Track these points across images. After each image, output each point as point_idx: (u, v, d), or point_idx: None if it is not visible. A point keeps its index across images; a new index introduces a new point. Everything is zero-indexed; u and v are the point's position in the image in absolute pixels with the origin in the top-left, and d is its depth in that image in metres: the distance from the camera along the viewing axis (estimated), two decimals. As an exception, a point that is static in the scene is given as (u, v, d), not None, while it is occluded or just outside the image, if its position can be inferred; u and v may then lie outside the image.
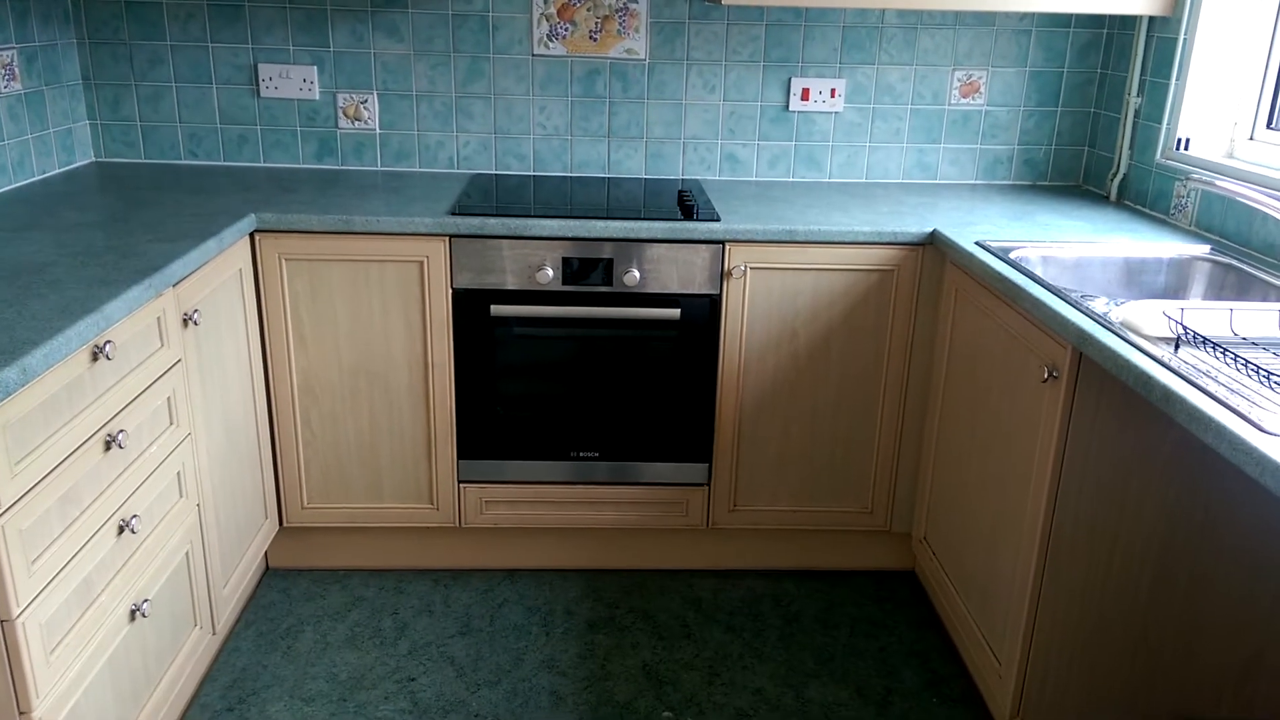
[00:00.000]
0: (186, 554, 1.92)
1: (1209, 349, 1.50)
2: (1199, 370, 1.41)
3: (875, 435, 2.46)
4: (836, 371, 2.41)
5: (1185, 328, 1.57)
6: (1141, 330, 1.61)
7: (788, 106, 2.80)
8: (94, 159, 2.74)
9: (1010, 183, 2.91)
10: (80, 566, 1.51)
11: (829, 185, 2.81)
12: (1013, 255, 2.11)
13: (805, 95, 2.80)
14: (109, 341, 1.56)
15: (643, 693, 2.13)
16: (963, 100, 2.84)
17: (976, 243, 2.19)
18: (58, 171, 2.56)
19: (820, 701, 2.13)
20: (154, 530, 1.76)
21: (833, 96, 2.81)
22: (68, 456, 1.47)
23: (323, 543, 2.53)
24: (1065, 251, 2.20)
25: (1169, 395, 1.36)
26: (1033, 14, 2.68)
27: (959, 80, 2.82)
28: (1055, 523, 1.78)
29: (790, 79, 2.78)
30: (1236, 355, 1.46)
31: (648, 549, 2.60)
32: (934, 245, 2.32)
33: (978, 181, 2.91)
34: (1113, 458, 1.72)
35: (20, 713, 1.39)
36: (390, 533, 2.53)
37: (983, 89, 2.83)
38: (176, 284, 1.84)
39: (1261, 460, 1.16)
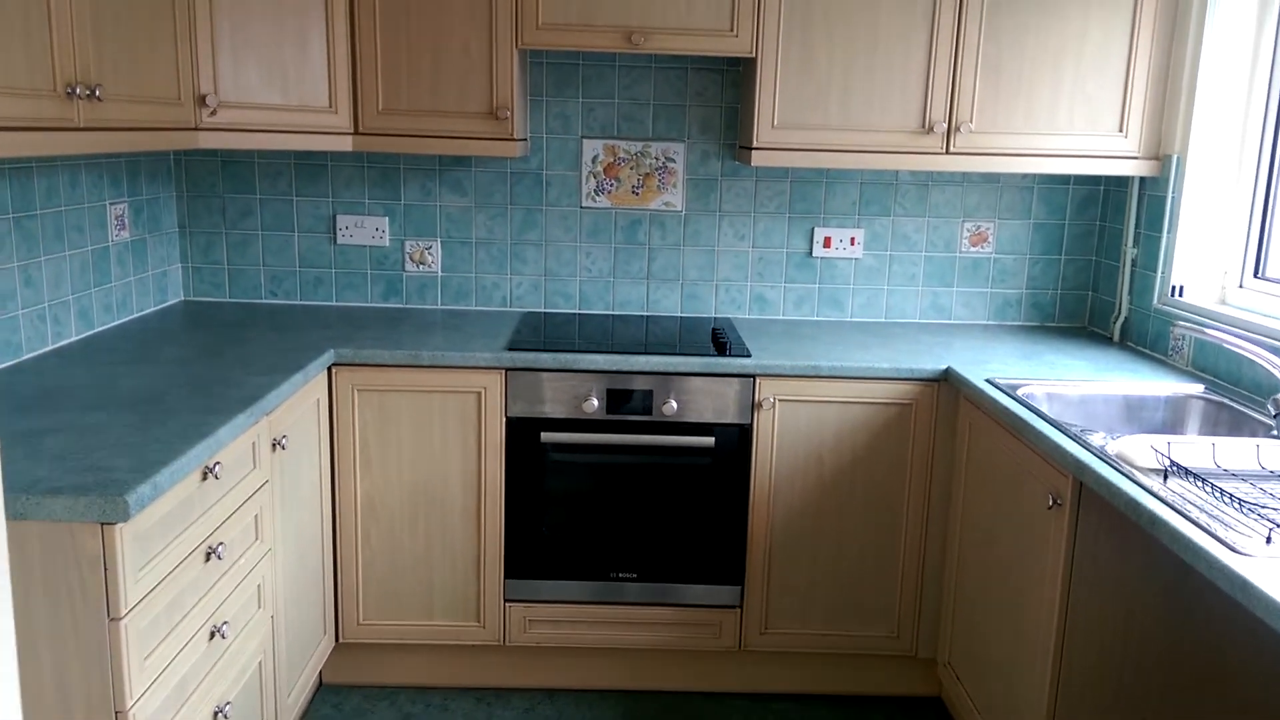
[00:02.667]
0: (260, 663, 2.08)
1: (1192, 480, 1.67)
2: (1183, 498, 1.59)
3: (899, 560, 2.61)
4: (861, 498, 2.58)
5: (1172, 460, 1.75)
6: (1134, 462, 1.79)
7: (811, 253, 3.07)
8: (183, 298, 3.03)
9: (1020, 323, 3.13)
10: (178, 667, 1.69)
11: (851, 324, 3.04)
12: (1020, 392, 2.31)
13: (827, 243, 3.07)
14: (218, 463, 1.78)
15: (679, 806, 2.23)
16: (972, 248, 3.09)
17: (987, 380, 2.39)
18: (152, 309, 2.85)
19: (850, 818, 2.21)
20: (238, 636, 1.94)
21: (852, 244, 3.07)
22: (178, 565, 1.67)
23: (374, 659, 2.68)
24: (1070, 389, 2.39)
25: (1155, 520, 1.53)
26: (1033, 174, 2.95)
27: (968, 230, 3.08)
28: (1066, 644, 1.91)
29: (813, 228, 3.06)
30: (1216, 485, 1.63)
31: (683, 670, 2.72)
32: (948, 381, 2.52)
33: (990, 322, 3.13)
34: (1116, 579, 1.87)
35: (124, 798, 1.54)
36: (438, 650, 2.68)
37: (990, 238, 3.08)
38: (270, 412, 2.07)
39: (1234, 578, 1.33)
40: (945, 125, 2.66)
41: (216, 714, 1.84)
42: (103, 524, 1.45)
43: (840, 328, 2.98)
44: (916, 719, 2.62)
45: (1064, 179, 3.05)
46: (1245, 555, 1.37)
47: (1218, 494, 1.60)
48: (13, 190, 2.17)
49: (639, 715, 2.58)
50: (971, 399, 2.39)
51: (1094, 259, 3.09)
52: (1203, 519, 1.50)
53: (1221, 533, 1.44)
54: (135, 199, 2.74)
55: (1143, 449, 1.83)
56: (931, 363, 2.55)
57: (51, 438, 1.69)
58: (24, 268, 2.22)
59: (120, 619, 1.49)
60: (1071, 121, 2.67)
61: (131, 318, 2.73)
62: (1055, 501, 1.93)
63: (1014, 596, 2.14)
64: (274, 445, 2.10)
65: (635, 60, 2.94)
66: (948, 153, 2.69)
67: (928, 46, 2.63)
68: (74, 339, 2.43)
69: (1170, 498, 1.59)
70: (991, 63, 2.63)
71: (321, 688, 2.66)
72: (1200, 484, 1.65)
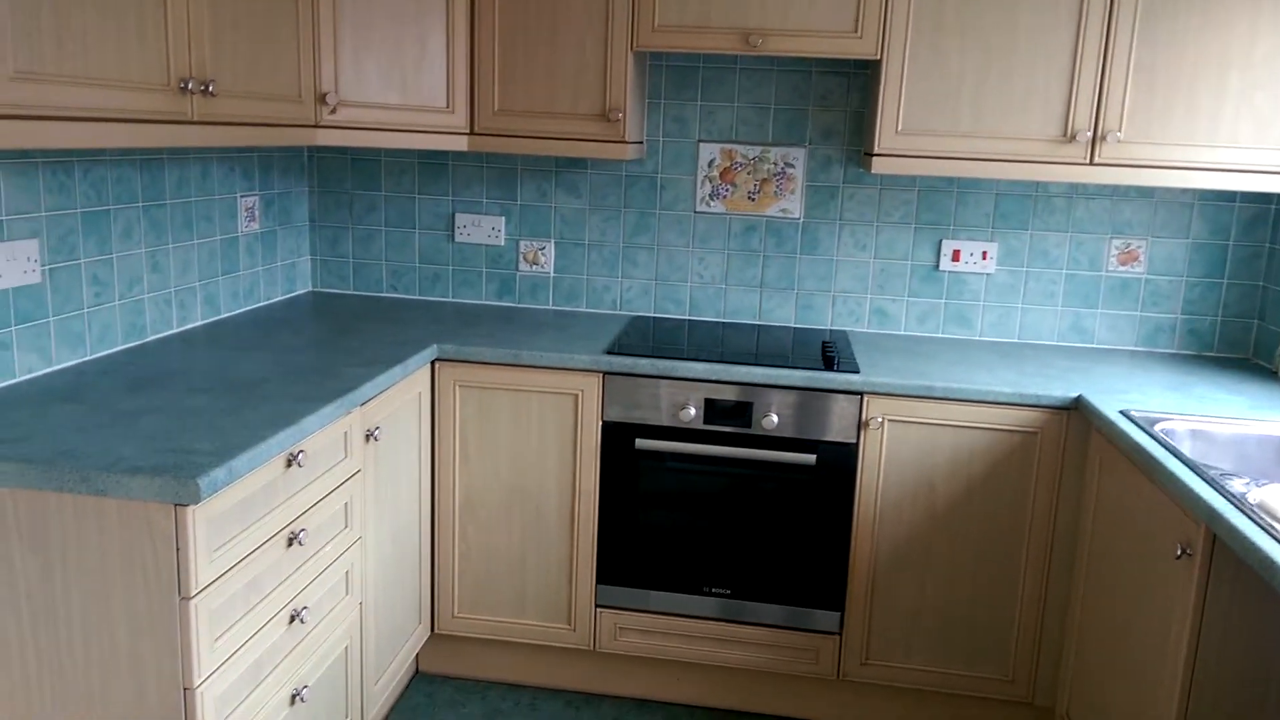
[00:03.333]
0: (346, 648, 2.12)
1: (1347, 538, 1.46)
2: (1330, 559, 1.38)
3: (1017, 599, 2.42)
4: (977, 529, 2.41)
5: (1323, 514, 1.53)
6: (1277, 513, 1.58)
7: (938, 266, 2.90)
8: (311, 289, 3.14)
9: (1173, 351, 2.86)
10: (254, 649, 1.72)
11: (979, 343, 2.85)
12: (1158, 427, 2.09)
13: (956, 256, 2.89)
14: (302, 450, 1.81)
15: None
16: (1121, 268, 2.85)
17: (1121, 411, 2.18)
18: (280, 299, 2.97)
19: None
20: (320, 623, 1.97)
21: (985, 258, 2.88)
22: (257, 549, 1.70)
23: (468, 652, 2.70)
24: (1220, 427, 2.15)
25: (1292, 583, 1.34)
26: (1193, 189, 2.70)
27: (1117, 248, 2.84)
28: (1191, 707, 1.71)
29: (941, 240, 2.89)
30: (1375, 547, 1.41)
31: (776, 694, 2.61)
32: (1079, 410, 2.32)
33: (1138, 348, 2.88)
34: (1251, 643, 1.66)
35: (190, 773, 1.58)
36: (529, 649, 2.67)
37: (1142, 257, 2.83)
38: (364, 404, 2.10)
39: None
40: (1090, 134, 2.46)
41: (294, 697, 1.87)
42: (176, 505, 1.49)
43: (966, 346, 2.80)
44: (1026, 773, 2.42)
45: (1229, 196, 2.76)
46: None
47: (1374, 557, 1.38)
48: (143, 180, 2.29)
49: (725, 738, 2.50)
50: (1103, 431, 2.18)
51: (1261, 284, 2.79)
52: (1350, 585, 1.29)
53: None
54: (266, 192, 2.85)
55: (1290, 499, 1.61)
56: (1062, 389, 2.35)
57: (149, 418, 1.75)
58: (151, 254, 2.34)
59: (190, 599, 1.52)
60: (1235, 133, 2.41)
61: (259, 305, 2.84)
62: (1185, 551, 1.73)
63: (1138, 650, 1.94)
64: (367, 436, 2.13)
65: (757, 63, 2.86)
66: (1092, 163, 2.48)
67: (1073, 48, 2.43)
68: (199, 324, 2.55)
69: (1314, 557, 1.38)
70: (1145, 67, 2.41)
71: (418, 675, 2.69)
72: (1355, 544, 1.44)
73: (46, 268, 2.01)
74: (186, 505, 1.49)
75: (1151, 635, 1.87)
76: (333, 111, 2.48)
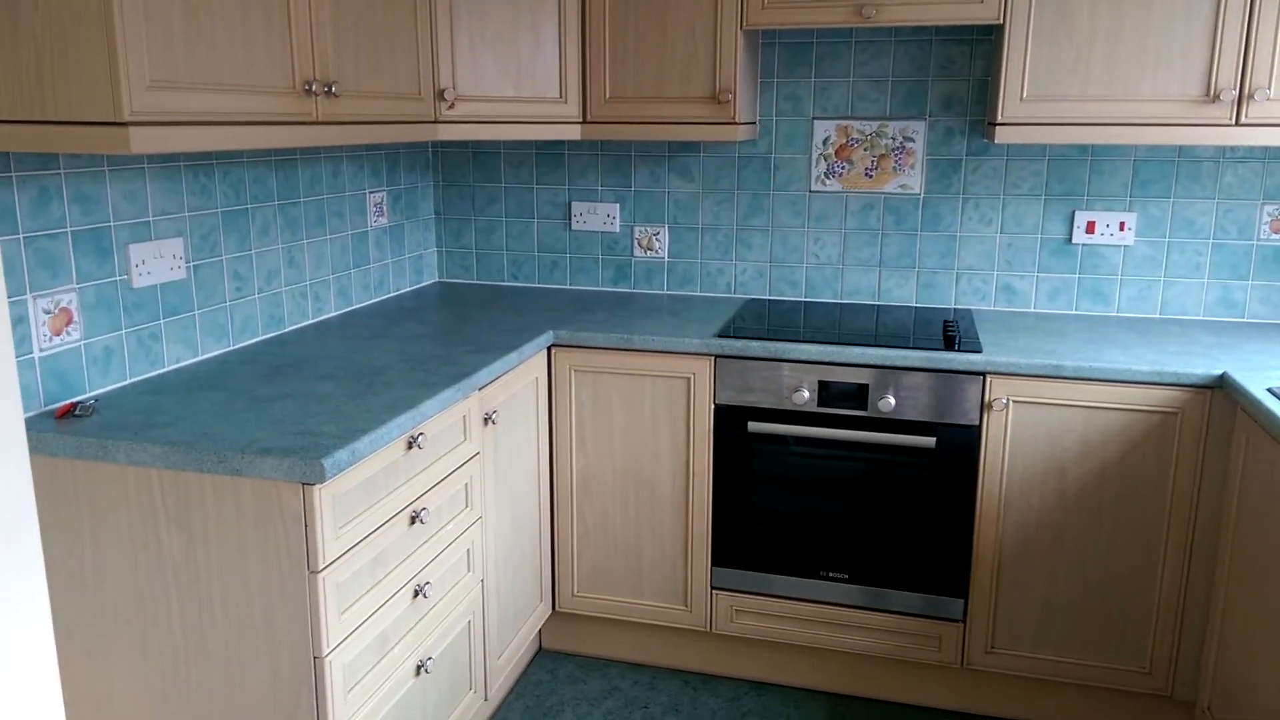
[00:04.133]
0: (468, 623, 2.20)
1: None
2: None
3: (1156, 588, 2.30)
4: (1110, 515, 2.29)
5: None
6: None
7: (1070, 239, 2.76)
8: (438, 279, 3.26)
9: (1335, 323, 2.65)
10: (380, 621, 1.81)
11: (1115, 320, 2.71)
12: (1311, 404, 1.94)
13: (1090, 228, 2.75)
14: (421, 434, 1.89)
15: (873, 825, 2.10)
16: (1275, 235, 2.64)
17: (1269, 389, 2.03)
18: (408, 289, 3.09)
19: None
20: (444, 598, 2.06)
21: (1121, 230, 2.73)
22: (380, 526, 1.79)
23: (588, 630, 2.76)
24: (1384, 403, 1.98)
25: None
26: (1359, 143, 2.47)
27: (1270, 214, 2.64)
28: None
29: (1074, 211, 2.75)
30: None
31: (897, 681, 2.56)
32: (1224, 389, 2.17)
33: (1294, 321, 2.67)
34: None
35: (322, 736, 1.68)
36: (647, 629, 2.71)
37: (1300, 222, 2.62)
38: (482, 388, 2.17)
39: None
40: (1235, 92, 2.29)
41: (419, 668, 1.96)
42: (303, 484, 1.58)
43: (1101, 323, 2.66)
44: (1168, 771, 2.30)
45: (1401, 150, 2.53)
46: None
47: None
48: (278, 180, 2.43)
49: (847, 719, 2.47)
50: (1249, 410, 2.04)
51: None
52: None
53: None
54: (394, 188, 2.97)
55: None
56: (1204, 366, 2.21)
57: (281, 403, 1.87)
58: (288, 249, 2.48)
59: (319, 572, 1.62)
60: None
61: (388, 296, 2.97)
62: (1336, 537, 1.60)
63: (1285, 645, 1.81)
64: (485, 419, 2.20)
65: (873, 35, 2.79)
66: (1238, 124, 2.31)
67: (1215, 1, 2.27)
68: (333, 314, 2.69)
69: None
70: (1300, 14, 2.23)
71: (540, 652, 2.78)
72: None
73: (191, 264, 2.16)
74: (313, 484, 1.58)
75: (1302, 628, 1.74)
76: (451, 106, 2.57)
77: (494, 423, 2.24)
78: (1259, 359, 2.28)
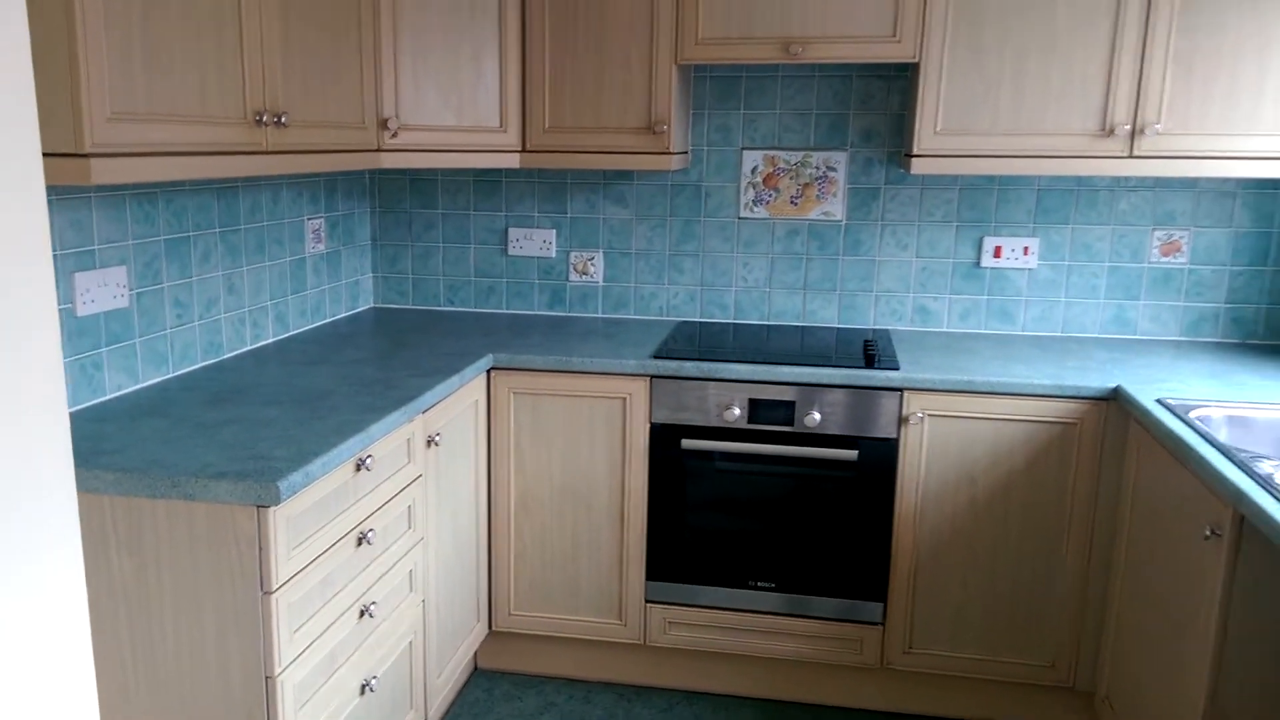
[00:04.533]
0: (410, 643, 2.25)
1: (1367, 520, 1.49)
2: (1347, 541, 1.42)
3: (1059, 588, 2.46)
4: (1018, 521, 2.46)
5: (1346, 498, 1.57)
6: (1302, 497, 1.62)
7: (979, 263, 2.95)
8: (373, 305, 3.31)
9: (1217, 340, 2.87)
10: (328, 641, 1.86)
11: (1021, 338, 2.89)
12: (1193, 414, 2.13)
13: (998, 252, 2.93)
14: (370, 455, 1.95)
15: (805, 821, 2.21)
16: (1163, 259, 2.86)
17: (1157, 400, 2.22)
18: (344, 315, 3.13)
19: None
20: (388, 618, 2.11)
21: (1026, 254, 2.92)
22: (330, 547, 1.84)
23: (524, 649, 2.82)
24: (1259, 413, 2.17)
25: (1306, 563, 1.38)
26: (1236, 178, 2.70)
27: (1159, 239, 2.86)
28: (1221, 684, 1.75)
29: (983, 237, 2.93)
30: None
31: (823, 684, 2.69)
32: (1117, 401, 2.36)
33: (1181, 338, 2.89)
34: (1279, 619, 1.69)
35: (274, 752, 1.73)
36: (583, 644, 2.78)
37: (1185, 248, 2.85)
38: (425, 411, 2.24)
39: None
40: (1129, 127, 2.49)
41: (364, 687, 2.01)
42: (258, 506, 1.63)
43: (1008, 341, 2.85)
44: (1076, 760, 2.46)
45: (1273, 184, 2.77)
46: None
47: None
48: (220, 207, 2.47)
49: (777, 726, 2.58)
50: (1139, 420, 2.22)
51: (1309, 270, 2.79)
52: (1363, 565, 1.34)
53: (1381, 581, 1.29)
54: (332, 214, 3.02)
55: (1315, 483, 1.65)
56: (1100, 380, 2.39)
57: (229, 428, 1.91)
58: (228, 276, 2.51)
59: (272, 593, 1.67)
60: (1277, 120, 2.43)
61: (325, 322, 3.01)
62: (1213, 532, 1.77)
63: (1170, 630, 1.98)
64: (428, 442, 2.27)
65: (799, 70, 2.94)
66: (1131, 156, 2.52)
67: (1110, 42, 2.47)
68: (270, 340, 2.72)
69: (1330, 539, 1.43)
70: (1184, 59, 2.44)
71: (476, 671, 2.83)
72: (1375, 526, 1.47)
73: (134, 292, 2.18)
74: (268, 506, 1.64)
75: (1183, 615, 1.91)
76: (394, 135, 2.63)
77: (436, 444, 2.31)
78: (1149, 373, 2.48)
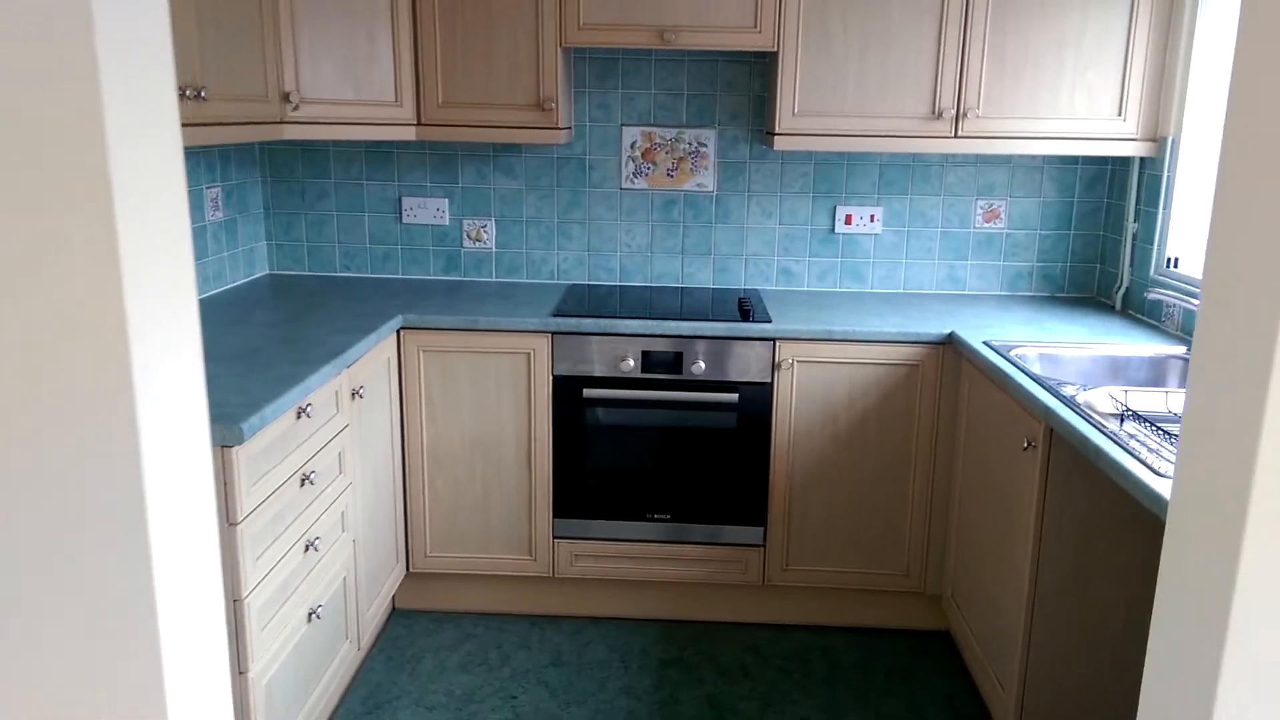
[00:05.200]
0: (344, 579, 2.43)
1: (1142, 423, 1.93)
2: (1128, 435, 1.84)
3: (908, 506, 2.88)
4: (873, 449, 2.85)
5: (1127, 407, 2.00)
6: (1096, 409, 2.05)
7: (834, 229, 3.33)
8: (268, 271, 3.40)
9: (1031, 294, 3.36)
10: (282, 569, 2.03)
11: (871, 295, 3.30)
12: (1013, 353, 2.56)
13: (849, 220, 3.33)
14: (310, 404, 2.13)
15: (708, 713, 2.54)
16: (985, 224, 3.33)
17: (984, 342, 2.65)
18: (242, 281, 3.22)
19: (854, 729, 2.50)
20: (327, 553, 2.29)
21: (872, 221, 3.32)
22: (279, 486, 2.01)
23: (441, 588, 3.03)
24: (1062, 351, 2.63)
25: (1099, 452, 1.79)
26: (1043, 155, 3.17)
27: (982, 208, 3.32)
28: (1040, 573, 2.18)
29: (835, 206, 3.32)
30: (1160, 426, 1.88)
31: (712, 602, 3.03)
32: (952, 344, 2.78)
33: (1002, 293, 3.37)
34: (1084, 512, 2.13)
35: (240, 671, 1.90)
36: (496, 580, 3.02)
37: (1003, 215, 3.32)
38: (350, 365, 2.41)
39: (1148, 493, 1.59)
40: (954, 111, 2.91)
41: (310, 614, 2.19)
42: (222, 447, 1.79)
43: (860, 298, 3.24)
44: (922, 646, 2.89)
45: (1073, 160, 3.27)
46: (1163, 476, 1.63)
47: (1160, 433, 1.85)
48: (132, 177, 2.53)
49: (674, 638, 2.90)
50: (969, 359, 2.65)
51: (1101, 234, 3.31)
52: (1140, 450, 1.75)
53: (1150, 460, 1.70)
54: (227, 183, 3.10)
55: (1105, 398, 2.08)
56: (937, 328, 2.80)
57: (177, 381, 2.04)
58: (142, 243, 2.59)
59: (237, 524, 1.83)
60: (1073, 106, 2.90)
61: (225, 288, 3.10)
62: (1030, 444, 2.19)
63: (999, 531, 2.41)
64: (353, 394, 2.44)
65: (669, 55, 3.23)
66: (956, 136, 2.93)
67: (936, 39, 2.87)
68: (180, 306, 2.80)
69: (1118, 435, 1.84)
70: (997, 53, 2.87)
71: (394, 612, 3.02)
72: (1147, 425, 1.90)
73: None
74: (231, 446, 1.80)
75: (1008, 516, 2.33)
76: (295, 109, 2.76)
77: (360, 397, 2.49)
78: (977, 321, 2.92)
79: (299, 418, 2.10)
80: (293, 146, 3.31)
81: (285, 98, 2.72)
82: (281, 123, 2.73)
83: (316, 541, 2.18)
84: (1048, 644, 2.21)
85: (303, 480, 2.13)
